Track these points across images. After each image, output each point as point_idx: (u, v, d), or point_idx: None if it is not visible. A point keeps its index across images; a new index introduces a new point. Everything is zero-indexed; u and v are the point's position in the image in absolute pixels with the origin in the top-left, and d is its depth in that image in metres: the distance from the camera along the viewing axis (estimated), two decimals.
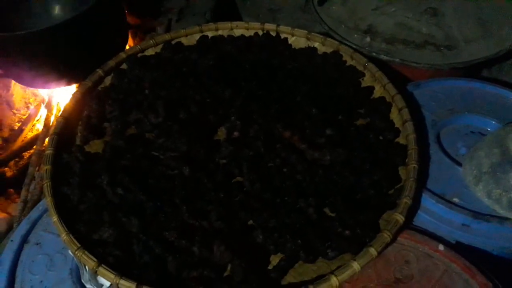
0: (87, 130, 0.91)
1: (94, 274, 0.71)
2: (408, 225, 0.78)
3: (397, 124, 0.91)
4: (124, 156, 0.85)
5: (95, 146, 0.91)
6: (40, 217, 0.85)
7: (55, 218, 0.73)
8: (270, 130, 0.89)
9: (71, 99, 0.95)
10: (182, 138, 0.86)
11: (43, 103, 1.61)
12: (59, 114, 0.92)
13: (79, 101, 0.96)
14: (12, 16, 1.35)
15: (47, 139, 1.42)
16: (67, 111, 0.93)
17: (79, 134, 0.92)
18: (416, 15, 1.12)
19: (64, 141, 0.89)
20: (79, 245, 0.69)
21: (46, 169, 0.81)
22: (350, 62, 1.04)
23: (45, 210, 0.86)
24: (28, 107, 1.67)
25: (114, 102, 0.95)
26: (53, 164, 0.83)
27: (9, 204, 1.29)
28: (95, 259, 0.67)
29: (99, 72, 1.01)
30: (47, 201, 0.75)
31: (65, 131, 0.90)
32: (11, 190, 1.37)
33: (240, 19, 1.79)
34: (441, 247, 0.74)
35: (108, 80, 1.02)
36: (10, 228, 1.23)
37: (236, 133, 0.90)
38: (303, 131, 0.88)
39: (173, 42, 1.10)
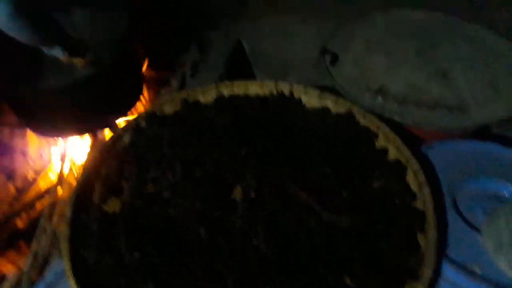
0: (105, 188, 0.92)
1: None
2: None
3: (413, 187, 0.91)
4: (142, 215, 0.86)
5: (113, 205, 0.91)
6: (56, 281, 0.85)
7: (72, 283, 0.72)
8: (286, 190, 0.90)
9: (90, 158, 0.97)
10: (199, 197, 0.87)
11: (58, 154, 1.63)
12: (78, 174, 0.93)
13: (97, 160, 0.97)
14: (30, 69, 1.40)
15: (59, 189, 1.44)
16: (86, 170, 0.94)
17: (97, 192, 0.93)
18: (427, 76, 1.15)
19: (81, 200, 0.90)
20: None
21: (64, 231, 0.81)
22: (363, 122, 1.06)
23: (62, 272, 0.85)
24: (42, 157, 1.69)
25: (133, 160, 0.96)
26: (71, 224, 0.83)
27: (20, 258, 1.28)
28: None
29: (119, 130, 1.04)
30: (64, 263, 0.75)
31: (83, 190, 0.91)
32: (22, 243, 1.36)
33: (252, 73, 1.85)
34: None
35: (127, 138, 1.04)
36: (19, 283, 1.22)
37: (252, 193, 0.90)
38: (319, 192, 0.88)
39: (190, 100, 1.13)
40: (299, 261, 0.78)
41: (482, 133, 1.16)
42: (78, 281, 0.72)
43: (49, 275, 0.86)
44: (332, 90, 1.17)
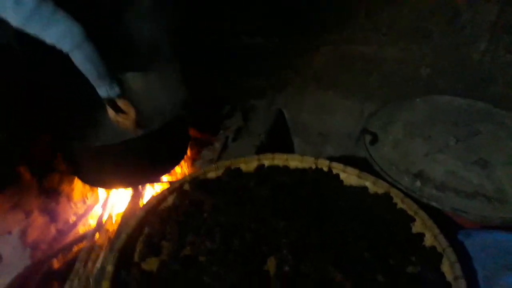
0: (146, 247, 0.97)
1: None
2: None
3: (448, 277, 0.90)
4: (178, 279, 0.89)
5: (151, 263, 0.95)
6: None
7: None
8: (322, 269, 0.91)
9: (135, 217, 1.03)
10: (234, 267, 0.89)
11: (100, 201, 1.71)
12: (123, 232, 0.98)
13: (142, 218, 1.03)
14: (82, 127, 1.50)
15: (97, 235, 1.49)
16: (130, 227, 0.99)
17: (137, 250, 0.97)
18: (467, 165, 1.16)
19: (123, 254, 0.94)
20: None
21: (106, 286, 0.85)
22: (400, 205, 1.07)
23: None
24: (85, 202, 1.78)
25: (174, 223, 1.01)
26: (112, 281, 0.87)
27: None
28: None
29: (164, 192, 1.10)
30: None
31: (126, 246, 0.96)
32: (56, 283, 1.41)
33: (291, 141, 1.91)
34: None
35: (170, 199, 1.10)
36: None
37: (286, 268, 0.92)
38: (355, 275, 0.89)
39: (232, 168, 1.18)
40: None
41: None
42: None
43: None
44: (368, 165, 1.20)
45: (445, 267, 0.92)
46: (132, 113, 1.30)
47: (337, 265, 0.90)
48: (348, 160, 1.16)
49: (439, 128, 1.29)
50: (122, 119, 1.31)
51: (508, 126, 1.29)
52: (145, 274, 0.92)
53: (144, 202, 1.09)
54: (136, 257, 0.96)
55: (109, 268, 0.89)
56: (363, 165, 1.18)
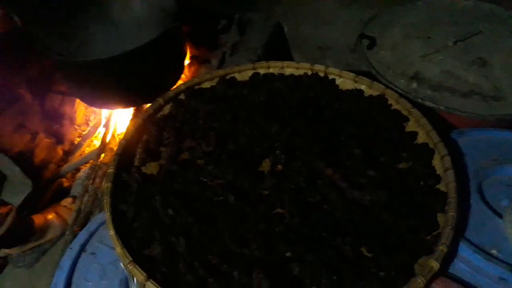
0: (145, 153, 1.00)
1: (142, 287, 0.77)
2: (443, 272, 0.79)
3: (439, 171, 0.93)
4: (177, 179, 0.93)
5: (151, 168, 0.99)
6: (97, 229, 0.94)
7: (112, 232, 0.80)
8: (313, 166, 0.94)
9: (133, 124, 1.05)
10: (229, 167, 0.93)
11: (102, 122, 1.74)
12: (122, 137, 1.01)
13: (140, 126, 1.05)
14: (78, 42, 1.49)
15: (102, 155, 1.54)
16: (129, 134, 1.02)
17: (137, 156, 1.01)
18: (464, 64, 1.14)
19: (124, 161, 0.98)
20: (131, 259, 0.76)
21: (107, 187, 0.89)
22: (395, 106, 1.07)
23: (102, 223, 0.94)
24: (88, 124, 1.81)
25: (171, 129, 1.03)
26: (113, 182, 0.91)
27: (66, 211, 1.40)
28: (145, 274, 0.74)
29: (160, 101, 1.11)
30: (106, 216, 0.83)
31: (125, 152, 0.99)
32: (70, 199, 1.48)
33: (290, 55, 1.87)
34: None
35: (167, 109, 1.11)
36: (63, 233, 1.33)
37: (279, 166, 0.95)
38: (345, 170, 0.92)
39: (227, 77, 1.18)
40: (319, 232, 0.82)
41: None
42: (116, 231, 0.80)
43: (91, 224, 0.95)
44: (368, 75, 1.18)
45: (436, 161, 0.95)
46: None
47: (327, 161, 0.93)
48: None
49: (439, 28, 1.25)
50: None
51: (511, 25, 1.25)
52: (146, 177, 0.96)
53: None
54: (136, 162, 1.00)
55: (111, 170, 0.93)
56: (364, 76, 1.17)
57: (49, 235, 1.35)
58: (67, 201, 1.43)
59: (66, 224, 1.35)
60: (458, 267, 0.82)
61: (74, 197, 1.49)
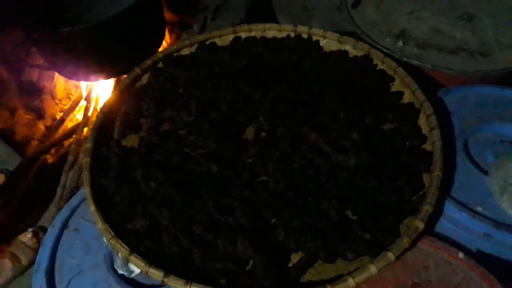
0: (124, 125, 0.97)
1: (126, 261, 0.76)
2: (429, 231, 0.79)
3: (425, 130, 0.91)
4: (158, 151, 0.91)
5: (131, 141, 0.96)
6: (78, 205, 0.92)
7: (93, 208, 0.78)
8: (297, 131, 0.92)
9: (110, 96, 1.01)
10: (212, 136, 0.90)
11: (83, 95, 1.69)
12: (99, 110, 0.98)
13: (117, 98, 1.01)
14: (53, 12, 1.43)
15: (85, 129, 1.51)
16: (106, 107, 0.98)
17: (116, 128, 0.98)
18: (451, 20, 1.11)
19: (102, 135, 0.95)
20: (113, 234, 0.75)
21: (86, 161, 0.87)
22: (380, 66, 1.04)
23: (84, 199, 0.92)
24: (69, 98, 1.76)
25: (150, 99, 1.00)
26: (92, 156, 0.89)
27: (23, 250, 1.17)
28: (128, 248, 0.73)
29: (137, 70, 1.07)
30: (85, 191, 0.81)
31: (104, 125, 0.96)
32: (30, 233, 1.22)
33: (275, 17, 1.81)
34: (461, 254, 0.75)
35: (145, 78, 1.07)
36: (15, 277, 1.17)
37: (263, 134, 0.93)
38: (329, 134, 0.90)
39: (207, 43, 1.14)
40: (304, 197, 0.81)
41: (505, 81, 1.12)
42: (97, 206, 0.79)
43: (72, 201, 0.93)
44: (354, 35, 1.14)
45: (422, 121, 0.93)
46: None
47: (311, 125, 0.90)
48: None
49: None
50: None
51: None
52: (125, 150, 0.93)
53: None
54: (115, 135, 0.97)
55: (88, 145, 0.90)
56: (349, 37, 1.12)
57: None
58: (26, 236, 1.16)
59: (20, 266, 1.13)
60: (444, 225, 0.82)
61: (38, 229, 1.21)
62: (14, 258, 1.12)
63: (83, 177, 0.84)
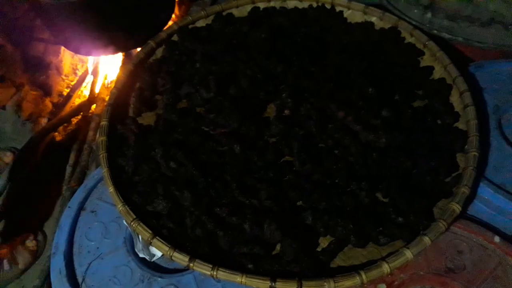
0: (139, 102, 0.92)
1: (148, 245, 0.73)
2: (463, 214, 0.76)
3: (457, 108, 0.87)
4: (176, 129, 0.86)
5: (147, 118, 0.92)
6: (95, 185, 0.88)
7: (111, 189, 0.75)
8: (323, 109, 0.87)
9: (123, 70, 0.96)
10: (233, 114, 0.86)
11: (89, 70, 1.64)
12: (113, 86, 0.93)
13: (131, 73, 0.96)
14: None
15: (93, 106, 1.46)
16: (120, 82, 0.94)
17: (131, 105, 0.93)
18: None
19: (117, 112, 0.90)
20: (134, 216, 0.71)
21: (102, 140, 0.83)
22: (409, 39, 0.99)
23: (100, 179, 0.89)
24: (75, 74, 1.70)
25: (166, 75, 0.95)
26: (108, 135, 0.84)
27: (23, 253, 1.11)
28: (150, 231, 0.69)
29: (151, 43, 1.01)
30: (103, 171, 0.77)
31: (118, 102, 0.91)
32: (32, 235, 1.18)
33: None
34: (496, 238, 0.72)
35: (159, 52, 1.02)
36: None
37: (287, 111, 0.88)
38: (357, 112, 0.85)
39: (224, 14, 1.07)
40: (332, 178, 0.77)
41: None
42: (116, 187, 0.75)
43: (88, 181, 0.89)
44: (379, 6, 1.08)
45: (454, 98, 0.88)
46: None
47: (338, 102, 0.85)
48: None
49: None
50: None
51: None
52: (142, 128, 0.89)
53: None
54: (131, 112, 0.93)
55: (104, 123, 0.86)
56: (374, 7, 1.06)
57: None
58: (26, 238, 1.09)
59: (17, 269, 1.07)
60: (478, 208, 0.78)
61: (38, 234, 1.14)
62: (12, 260, 1.07)
63: (100, 157, 0.80)
